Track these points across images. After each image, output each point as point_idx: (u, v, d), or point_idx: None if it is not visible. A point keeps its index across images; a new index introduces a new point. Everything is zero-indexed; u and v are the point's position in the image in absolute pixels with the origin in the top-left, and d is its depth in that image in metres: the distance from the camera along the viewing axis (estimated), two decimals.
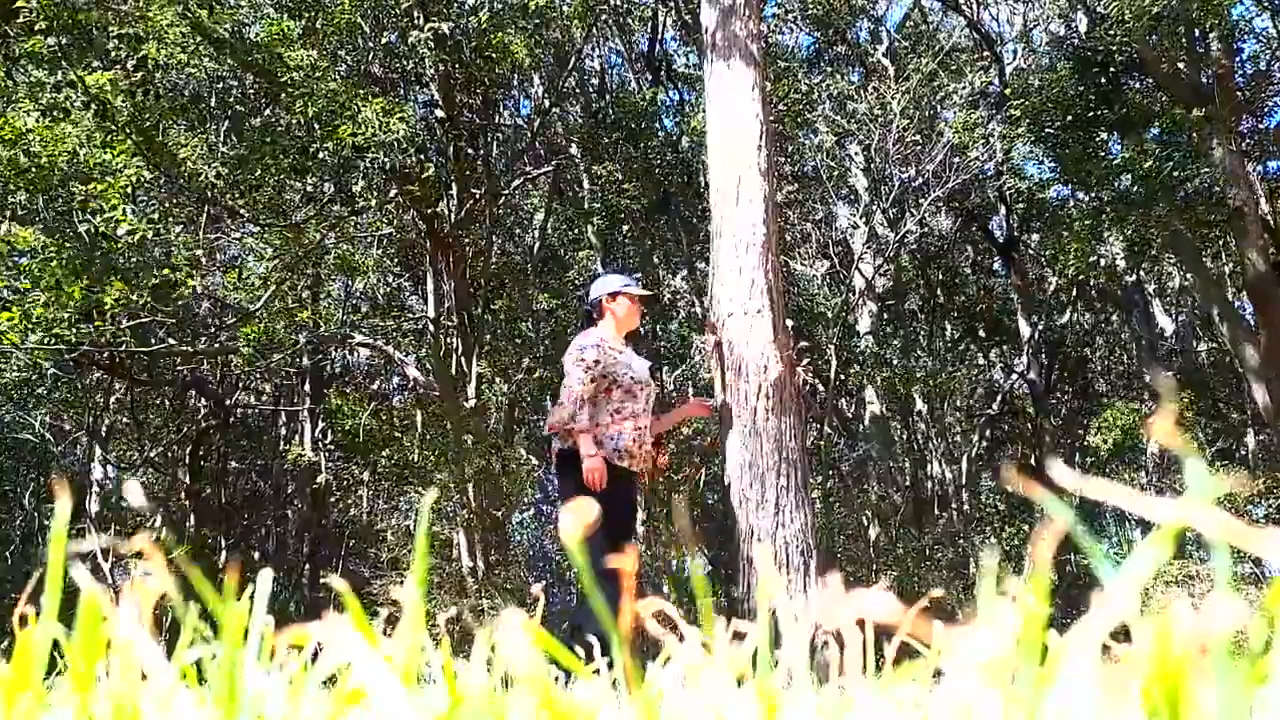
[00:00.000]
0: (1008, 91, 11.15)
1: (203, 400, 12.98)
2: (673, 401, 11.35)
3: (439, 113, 9.98)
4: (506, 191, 11.58)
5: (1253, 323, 10.67)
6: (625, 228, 11.78)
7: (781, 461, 4.10)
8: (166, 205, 8.28)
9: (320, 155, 7.83)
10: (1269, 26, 11.94)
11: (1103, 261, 13.03)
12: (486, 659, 0.49)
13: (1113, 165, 10.17)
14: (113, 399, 12.78)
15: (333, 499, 14.53)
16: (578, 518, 0.42)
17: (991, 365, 16.40)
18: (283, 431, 14.84)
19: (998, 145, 11.49)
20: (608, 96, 12.29)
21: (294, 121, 7.89)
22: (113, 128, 7.12)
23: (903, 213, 11.64)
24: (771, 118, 5.44)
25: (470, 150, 10.59)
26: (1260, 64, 12.12)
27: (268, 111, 8.31)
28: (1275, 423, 10.15)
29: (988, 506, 15.37)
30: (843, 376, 12.98)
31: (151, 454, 13.37)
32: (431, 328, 10.05)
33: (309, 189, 9.33)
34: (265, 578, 0.50)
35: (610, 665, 0.53)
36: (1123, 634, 0.38)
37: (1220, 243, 12.78)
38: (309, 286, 11.31)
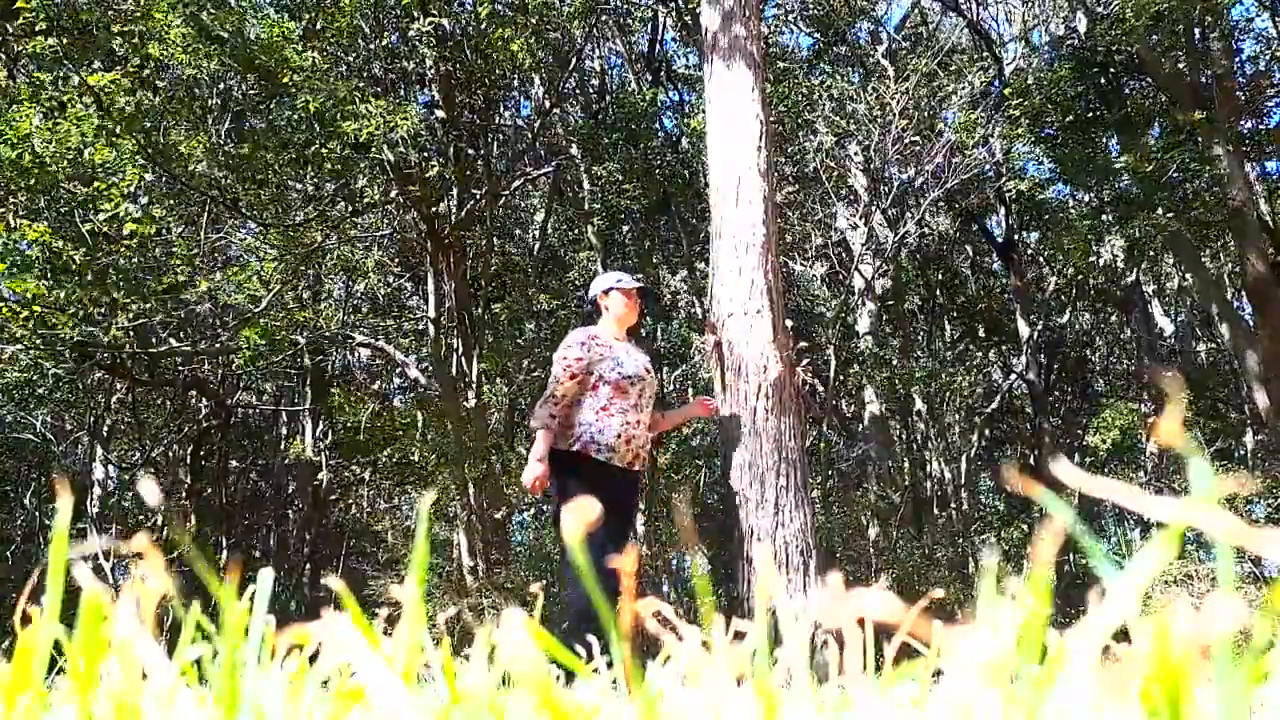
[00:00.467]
0: (1008, 92, 11.15)
1: (204, 400, 12.98)
2: (671, 402, 11.35)
3: (439, 113, 9.99)
4: (507, 192, 11.58)
5: (1252, 323, 10.67)
6: (625, 228, 11.78)
7: (781, 461, 4.10)
8: (169, 204, 8.29)
9: (323, 151, 7.83)
10: (1269, 26, 11.95)
11: (1102, 261, 13.04)
12: (486, 659, 0.49)
13: (1113, 166, 10.17)
14: (114, 399, 12.79)
15: (333, 499, 14.54)
16: (579, 518, 0.42)
17: (991, 365, 16.40)
18: (284, 431, 14.85)
19: (998, 145, 11.49)
20: (608, 97, 12.29)
21: (296, 118, 7.89)
22: (114, 126, 7.12)
23: (902, 213, 11.64)
24: (771, 118, 5.44)
25: (471, 151, 10.58)
26: (1260, 64, 12.13)
27: (270, 107, 8.31)
28: (1274, 423, 10.15)
29: (987, 506, 15.38)
30: (842, 376, 12.97)
31: (152, 454, 13.37)
32: (432, 328, 10.05)
33: (310, 189, 9.34)
34: (265, 577, 0.50)
35: (610, 665, 0.53)
36: (1123, 634, 0.38)
37: (1220, 243, 12.79)
38: (309, 287, 11.32)
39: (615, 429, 3.72)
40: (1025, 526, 13.13)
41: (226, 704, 0.45)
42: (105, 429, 13.07)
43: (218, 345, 9.45)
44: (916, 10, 15.43)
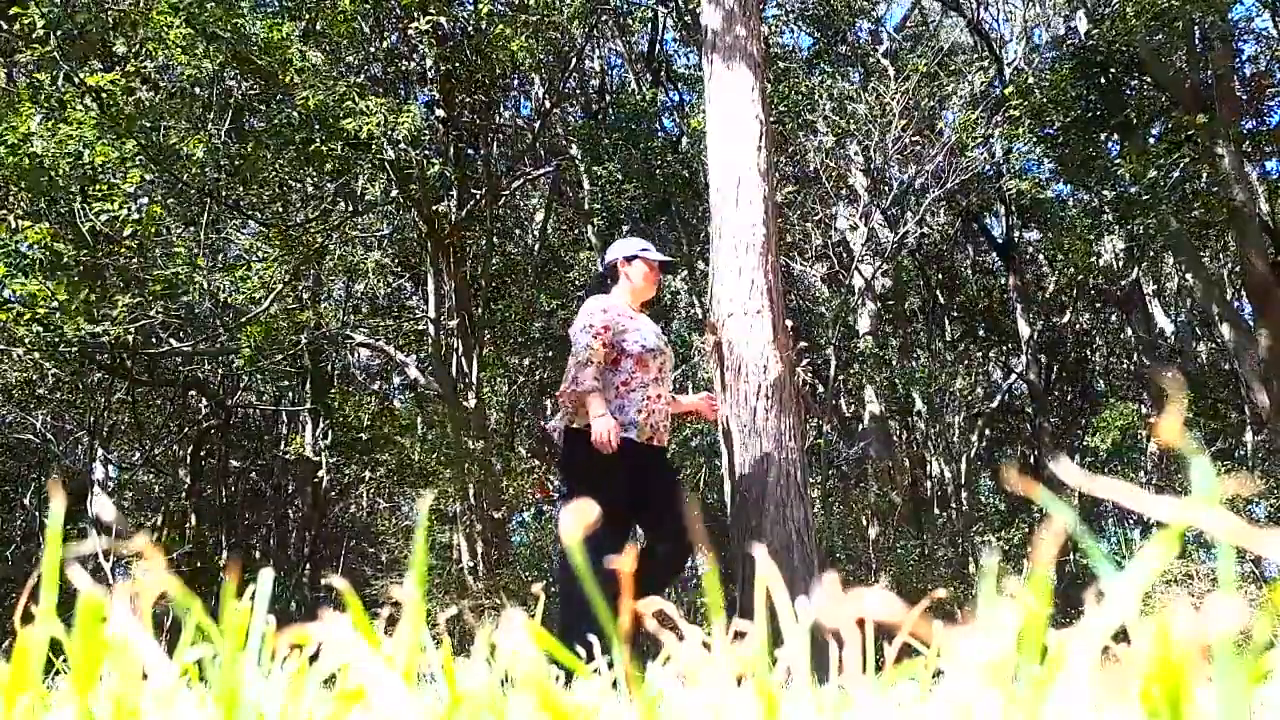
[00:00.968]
0: (1008, 92, 11.14)
1: (204, 400, 12.98)
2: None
3: (439, 113, 9.99)
4: (507, 192, 11.59)
5: (1252, 323, 10.67)
6: (625, 228, 11.78)
7: (781, 461, 4.10)
8: (169, 204, 8.29)
9: (323, 150, 7.83)
10: (1269, 26, 11.95)
11: (1102, 261, 13.03)
12: (486, 658, 0.49)
13: (1113, 167, 10.18)
14: (114, 399, 12.78)
15: (333, 498, 14.54)
16: (579, 518, 0.42)
17: (991, 365, 16.40)
18: (284, 431, 14.84)
19: (998, 145, 11.49)
20: (608, 97, 12.29)
21: (296, 116, 7.89)
22: (114, 125, 7.12)
23: (902, 213, 11.64)
24: (771, 118, 5.44)
25: (471, 151, 10.59)
26: (1260, 64, 12.13)
27: (270, 105, 8.31)
28: (1274, 423, 10.15)
29: (987, 506, 15.37)
30: (842, 376, 12.97)
31: (152, 454, 13.37)
32: (432, 328, 10.05)
33: (310, 189, 9.34)
34: (265, 577, 0.50)
35: (610, 665, 0.53)
36: (1123, 634, 0.38)
37: (1220, 243, 12.79)
38: (310, 287, 11.32)
39: (636, 404, 3.52)
40: (1025, 526, 13.12)
41: (226, 704, 0.45)
42: (105, 429, 13.06)
43: (218, 345, 9.45)
44: (917, 10, 15.44)
